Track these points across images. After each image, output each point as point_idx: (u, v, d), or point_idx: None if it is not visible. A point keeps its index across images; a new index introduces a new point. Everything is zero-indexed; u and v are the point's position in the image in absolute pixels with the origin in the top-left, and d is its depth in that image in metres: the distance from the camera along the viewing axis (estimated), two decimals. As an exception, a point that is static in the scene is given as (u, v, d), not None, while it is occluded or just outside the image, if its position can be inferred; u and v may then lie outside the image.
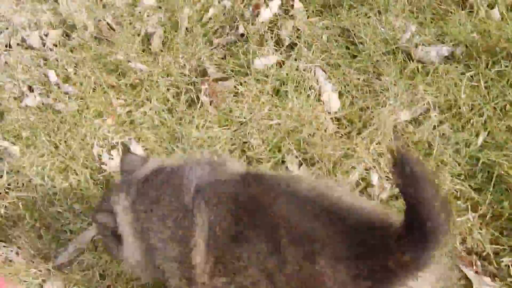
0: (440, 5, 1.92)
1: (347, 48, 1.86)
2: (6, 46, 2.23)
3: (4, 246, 1.46)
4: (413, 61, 1.74)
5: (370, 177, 1.46)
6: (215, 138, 1.61)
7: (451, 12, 1.86)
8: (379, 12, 1.95)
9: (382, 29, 1.85)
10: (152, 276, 1.14)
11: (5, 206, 1.55)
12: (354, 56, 1.83)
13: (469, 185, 1.42)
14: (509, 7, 1.81)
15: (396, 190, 1.42)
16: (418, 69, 1.73)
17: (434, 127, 1.57)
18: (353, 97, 1.70)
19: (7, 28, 2.32)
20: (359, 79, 1.75)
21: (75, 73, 1.97)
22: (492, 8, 1.81)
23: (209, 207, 1.00)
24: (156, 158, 1.19)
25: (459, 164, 1.46)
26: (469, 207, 1.38)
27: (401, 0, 1.96)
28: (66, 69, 2.00)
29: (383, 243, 0.86)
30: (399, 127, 1.60)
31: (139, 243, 1.07)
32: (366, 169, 1.49)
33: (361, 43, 1.83)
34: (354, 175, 1.46)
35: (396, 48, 1.79)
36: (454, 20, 1.82)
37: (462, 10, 1.86)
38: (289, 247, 0.91)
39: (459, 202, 1.39)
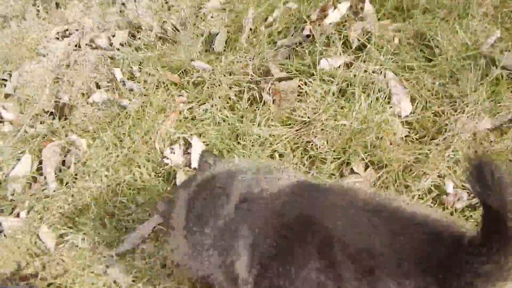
0: (530, 11, 1.98)
1: (422, 51, 1.97)
2: (76, 46, 2.61)
3: (71, 233, 1.71)
4: (497, 67, 1.80)
5: (444, 185, 1.53)
6: (277, 137, 1.78)
7: (542, 17, 1.91)
8: (459, 16, 2.04)
9: (462, 33, 1.93)
10: (197, 269, 1.24)
11: (72, 195, 1.82)
12: (429, 60, 1.93)
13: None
14: None
15: (474, 200, 1.47)
16: (502, 75, 1.78)
17: (520, 138, 1.61)
18: (426, 102, 1.79)
19: (77, 30, 2.73)
20: (434, 83, 1.84)
21: (139, 71, 2.27)
22: None
23: (254, 219, 1.07)
24: (225, 162, 1.33)
25: (548, 178, 1.48)
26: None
27: (484, 4, 2.04)
28: (131, 67, 2.30)
29: (455, 255, 0.88)
30: (479, 135, 1.65)
31: (186, 240, 1.20)
32: (439, 176, 1.56)
33: (437, 46, 1.93)
34: (426, 181, 1.54)
35: (478, 53, 1.86)
36: (546, 25, 1.86)
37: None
38: (345, 263, 0.93)
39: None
